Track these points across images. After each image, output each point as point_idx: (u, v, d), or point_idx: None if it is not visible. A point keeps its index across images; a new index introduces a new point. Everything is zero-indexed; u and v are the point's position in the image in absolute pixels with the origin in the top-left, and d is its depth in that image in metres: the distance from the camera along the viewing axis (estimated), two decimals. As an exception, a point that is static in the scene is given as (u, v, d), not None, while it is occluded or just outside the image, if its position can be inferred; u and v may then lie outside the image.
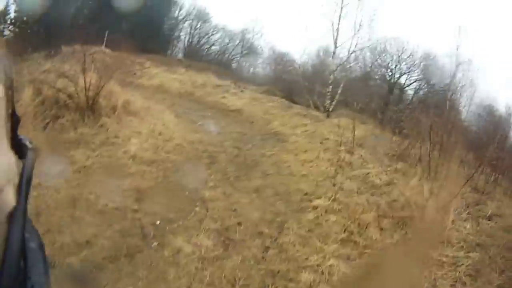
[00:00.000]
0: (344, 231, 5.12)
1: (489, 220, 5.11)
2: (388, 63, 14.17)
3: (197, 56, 17.99)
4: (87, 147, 7.28)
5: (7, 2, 14.19)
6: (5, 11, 14.34)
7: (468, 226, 5.01)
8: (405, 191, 5.86)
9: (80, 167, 6.70)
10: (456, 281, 4.26)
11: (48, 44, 11.95)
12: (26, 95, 7.76)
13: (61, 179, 5.83)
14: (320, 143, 9.90)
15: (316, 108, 13.43)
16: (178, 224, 5.67)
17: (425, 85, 13.92)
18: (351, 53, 13.17)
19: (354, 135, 8.67)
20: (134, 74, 11.77)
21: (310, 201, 6.30)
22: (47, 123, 7.68)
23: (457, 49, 11.95)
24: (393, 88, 13.97)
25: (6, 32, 14.26)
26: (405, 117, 10.43)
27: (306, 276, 4.32)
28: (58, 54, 11.25)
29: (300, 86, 13.53)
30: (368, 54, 14.15)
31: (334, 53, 13.16)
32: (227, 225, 5.53)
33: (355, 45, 13.20)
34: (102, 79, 8.16)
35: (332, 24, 13.18)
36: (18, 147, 0.41)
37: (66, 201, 5.50)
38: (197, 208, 6.11)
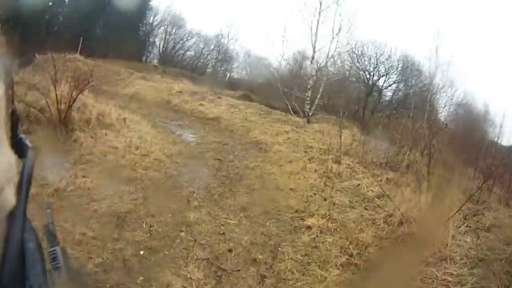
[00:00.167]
0: (343, 253, 4.90)
1: (488, 232, 5.06)
2: (366, 66, 14.32)
3: (172, 62, 18.08)
4: (60, 166, 6.71)
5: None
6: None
7: (468, 240, 4.95)
8: (400, 205, 5.73)
9: (53, 190, 6.14)
10: (463, 301, 4.15)
11: (22, 52, 11.28)
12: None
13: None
14: (305, 151, 9.79)
15: (295, 113, 13.42)
16: (163, 254, 5.25)
17: (404, 87, 14.17)
18: (330, 58, 13.24)
19: (341, 143, 8.55)
20: (109, 82, 11.54)
21: (303, 219, 6.08)
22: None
23: (436, 50, 12.23)
24: (371, 91, 14.10)
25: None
26: (388, 122, 10.48)
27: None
28: (30, 62, 10.62)
29: (278, 91, 13.43)
30: (347, 57, 14.25)
31: (313, 57, 13.20)
32: (217, 253, 5.18)
33: (334, 49, 13.39)
34: (75, 90, 7.63)
35: (311, 29, 13.34)
36: (18, 147, 0.42)
37: (39, 230, 4.95)
38: (182, 234, 5.72)
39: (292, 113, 13.19)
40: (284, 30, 13.93)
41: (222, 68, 19.56)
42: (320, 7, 13.27)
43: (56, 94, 7.41)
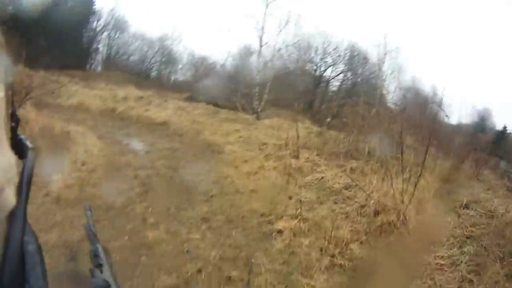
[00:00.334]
0: (324, 255, 4.46)
1: (467, 208, 4.95)
2: (313, 58, 14.33)
3: (116, 67, 17.66)
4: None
5: None
6: None
7: (449, 219, 4.76)
8: (371, 194, 5.44)
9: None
10: (462, 281, 3.95)
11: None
12: None
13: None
14: (259, 149, 9.35)
15: (244, 110, 13.03)
16: (127, 286, 4.42)
17: (352, 76, 14.35)
18: (277, 51, 12.98)
19: (298, 136, 8.18)
20: (52, 93, 10.95)
21: (271, 223, 5.55)
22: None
23: (385, 38, 12.55)
24: (319, 82, 14.10)
25: None
26: (339, 110, 10.43)
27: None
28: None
29: (224, 89, 12.97)
30: (294, 50, 14.15)
31: (259, 52, 12.86)
32: (185, 276, 4.44)
33: (282, 42, 13.32)
34: (16, 103, 6.51)
35: (257, 23, 13.09)
36: (19, 147, 0.42)
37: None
38: (143, 258, 4.92)
39: (241, 110, 12.85)
40: (230, 25, 13.51)
41: (167, 71, 19.23)
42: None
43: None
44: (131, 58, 18.70)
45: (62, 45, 14.76)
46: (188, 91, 14.87)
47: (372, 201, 5.33)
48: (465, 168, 6.24)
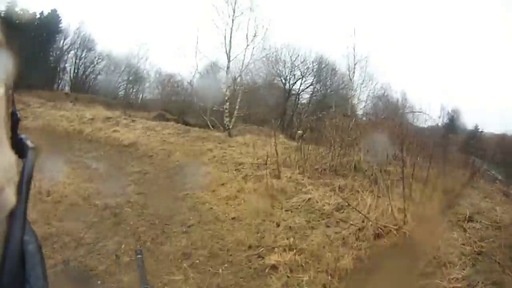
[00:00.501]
0: (329, 291, 3.95)
1: (471, 221, 4.64)
2: (282, 71, 14.19)
3: (83, 87, 17.77)
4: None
5: None
6: None
7: (456, 236, 4.42)
8: (369, 214, 5.03)
9: None
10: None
11: None
12: None
13: None
14: (236, 170, 8.80)
15: (215, 127, 12.50)
16: None
17: (321, 87, 14.28)
18: (246, 66, 12.75)
19: (277, 153, 7.70)
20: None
21: (261, 257, 4.99)
22: None
23: (354, 48, 12.62)
24: (289, 95, 13.89)
25: None
26: (312, 123, 10.15)
27: None
28: None
29: (194, 107, 12.49)
30: (262, 64, 13.97)
31: (228, 67, 12.48)
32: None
33: (250, 57, 12.99)
34: None
35: (225, 37, 12.80)
36: (19, 147, 0.42)
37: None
38: (120, 310, 4.19)
39: (212, 128, 12.40)
40: (197, 41, 13.02)
41: (134, 90, 19.02)
42: (234, 14, 12.86)
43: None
44: (98, 77, 18.61)
45: (28, 64, 14.61)
46: (156, 109, 14.67)
47: (370, 223, 4.92)
48: (457, 175, 6.04)
